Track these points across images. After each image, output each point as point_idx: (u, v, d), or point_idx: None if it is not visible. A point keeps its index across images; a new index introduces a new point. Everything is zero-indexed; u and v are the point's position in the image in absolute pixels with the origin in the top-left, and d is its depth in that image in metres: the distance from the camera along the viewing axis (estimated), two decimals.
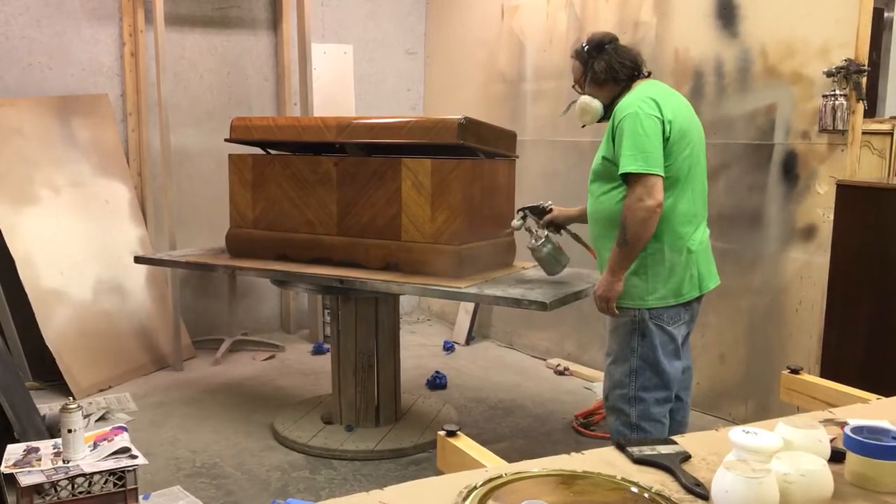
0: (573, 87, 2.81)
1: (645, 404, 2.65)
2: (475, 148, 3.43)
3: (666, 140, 2.49)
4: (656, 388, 2.65)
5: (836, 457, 1.34)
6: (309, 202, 3.75)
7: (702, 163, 2.68)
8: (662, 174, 2.46)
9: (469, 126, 3.36)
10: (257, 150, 4.00)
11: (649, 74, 2.72)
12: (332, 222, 3.68)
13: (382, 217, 3.53)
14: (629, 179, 2.48)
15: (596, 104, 2.70)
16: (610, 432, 2.79)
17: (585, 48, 2.72)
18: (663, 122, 2.48)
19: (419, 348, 5.20)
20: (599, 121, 2.74)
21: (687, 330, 2.73)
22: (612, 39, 2.72)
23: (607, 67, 2.65)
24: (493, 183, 3.58)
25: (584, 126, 2.88)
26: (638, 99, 2.54)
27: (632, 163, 2.45)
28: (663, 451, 1.40)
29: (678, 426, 2.85)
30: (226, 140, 4.04)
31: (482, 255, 3.49)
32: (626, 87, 2.66)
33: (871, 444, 1.28)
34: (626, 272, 2.61)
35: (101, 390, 4.29)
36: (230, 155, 3.99)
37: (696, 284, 2.63)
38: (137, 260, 4.15)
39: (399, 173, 3.47)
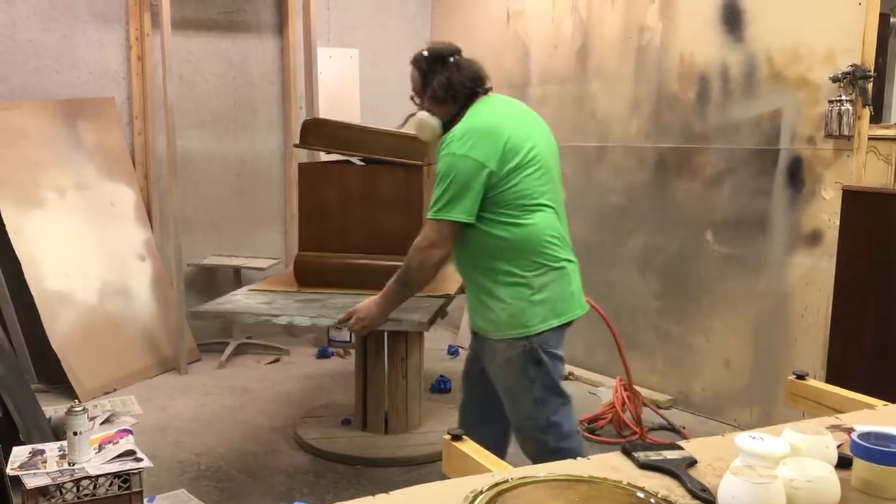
0: (411, 97, 2.63)
1: (558, 427, 2.54)
2: (329, 151, 3.34)
3: (494, 171, 2.38)
4: (565, 409, 2.57)
5: (843, 463, 1.33)
6: None
7: (556, 183, 2.57)
8: (469, 220, 2.40)
9: (313, 128, 3.25)
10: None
11: (488, 90, 2.58)
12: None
13: None
14: (426, 221, 2.47)
15: (434, 122, 2.56)
16: (529, 457, 2.61)
17: (425, 58, 2.55)
18: (484, 160, 2.37)
19: (424, 352, 5.19)
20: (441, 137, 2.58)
21: None
22: (455, 52, 2.57)
23: (447, 85, 2.51)
24: (370, 191, 3.33)
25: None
26: (463, 131, 2.42)
27: (432, 206, 2.42)
28: (669, 457, 1.40)
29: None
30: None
31: (337, 266, 3.30)
32: (465, 105, 2.52)
33: (877, 450, 1.27)
34: (396, 307, 2.66)
35: (106, 393, 4.30)
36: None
37: (576, 303, 2.53)
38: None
39: None
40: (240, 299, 3.23)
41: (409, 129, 2.69)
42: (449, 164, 2.40)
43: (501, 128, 2.43)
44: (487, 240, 2.45)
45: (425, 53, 2.56)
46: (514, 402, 2.57)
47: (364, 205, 3.33)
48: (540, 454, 2.53)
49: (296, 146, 3.36)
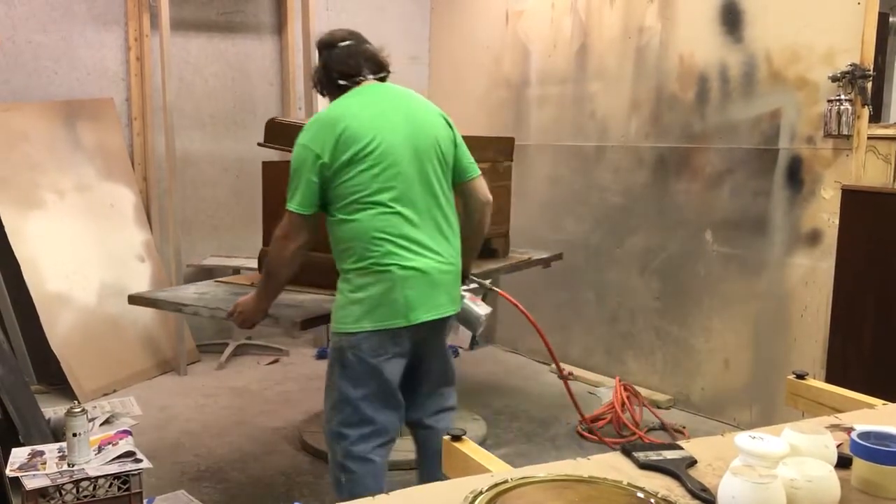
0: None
1: (347, 441, 2.43)
2: (289, 150, 3.40)
3: (326, 163, 2.33)
4: (360, 424, 2.42)
5: (843, 462, 1.33)
6: None
7: (416, 181, 2.40)
8: (306, 212, 2.37)
9: (275, 128, 3.22)
10: None
11: (360, 81, 2.49)
12: None
13: None
14: (285, 212, 2.43)
15: None
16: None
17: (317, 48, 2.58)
18: (318, 151, 2.33)
19: None
20: None
21: (406, 363, 2.47)
22: (339, 40, 2.52)
23: (319, 75, 2.54)
24: None
25: None
26: (311, 122, 2.43)
27: (287, 196, 2.41)
28: (669, 457, 1.40)
29: (434, 455, 2.51)
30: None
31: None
32: (340, 95, 2.49)
33: (877, 449, 1.27)
34: (271, 300, 2.58)
35: (106, 394, 4.30)
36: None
37: (400, 312, 2.34)
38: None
39: None
40: (185, 289, 3.26)
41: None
42: (294, 154, 2.41)
43: (341, 119, 2.35)
44: (332, 233, 2.43)
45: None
46: (325, 398, 2.53)
47: None
48: (332, 467, 2.50)
49: (259, 145, 3.36)
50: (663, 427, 3.89)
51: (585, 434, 3.82)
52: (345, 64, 2.48)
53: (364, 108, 2.41)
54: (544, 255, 4.14)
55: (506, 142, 3.94)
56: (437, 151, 2.45)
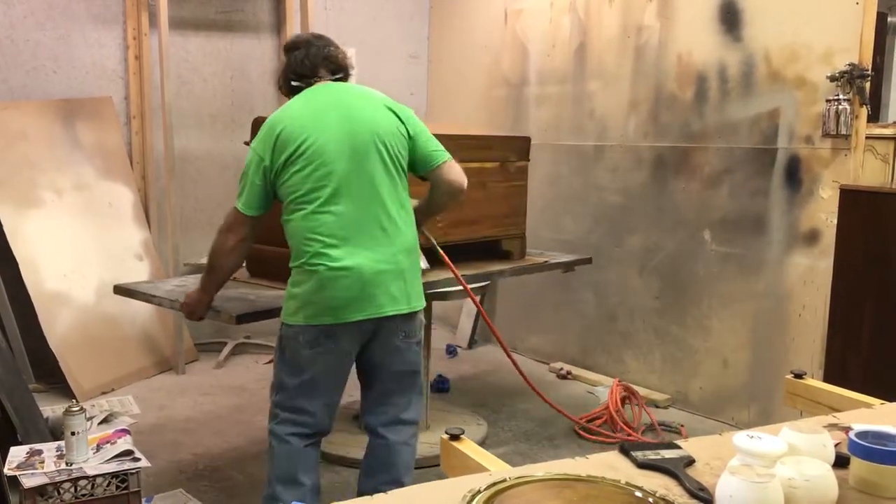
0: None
1: (276, 420, 2.52)
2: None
3: (268, 166, 2.42)
4: (291, 410, 2.49)
5: (841, 462, 1.33)
6: None
7: (354, 181, 2.38)
8: (248, 212, 2.46)
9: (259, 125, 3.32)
10: None
11: (313, 81, 2.53)
12: None
13: None
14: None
15: None
16: None
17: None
18: (261, 154, 2.43)
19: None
20: None
21: (350, 362, 2.51)
22: (301, 44, 2.57)
23: (280, 77, 2.62)
24: None
25: None
26: (262, 125, 2.50)
27: (236, 194, 2.52)
28: (667, 456, 1.40)
29: (380, 466, 2.60)
30: None
31: (271, 258, 3.21)
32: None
33: (875, 449, 1.28)
34: (213, 292, 2.64)
35: (104, 393, 4.29)
36: None
37: (329, 311, 2.36)
38: None
39: None
40: (167, 282, 3.31)
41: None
42: (247, 155, 2.51)
43: (280, 121, 2.42)
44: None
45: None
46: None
47: None
48: (270, 439, 2.57)
49: (246, 143, 3.37)
50: (654, 427, 3.88)
51: (584, 433, 3.81)
52: (301, 65, 2.54)
53: (304, 108, 2.45)
54: (568, 259, 4.03)
55: (519, 141, 3.89)
56: (379, 147, 2.42)
